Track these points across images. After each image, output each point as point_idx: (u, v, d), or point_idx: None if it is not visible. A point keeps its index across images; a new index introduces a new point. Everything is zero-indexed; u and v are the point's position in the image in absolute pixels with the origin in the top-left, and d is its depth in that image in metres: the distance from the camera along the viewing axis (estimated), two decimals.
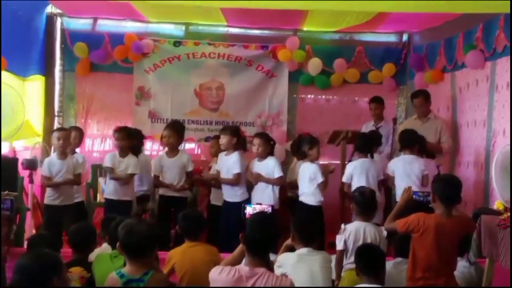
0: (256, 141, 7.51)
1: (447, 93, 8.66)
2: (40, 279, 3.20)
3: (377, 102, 9.00)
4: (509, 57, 6.80)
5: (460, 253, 5.18)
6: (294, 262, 4.61)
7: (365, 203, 5.48)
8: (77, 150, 8.31)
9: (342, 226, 5.35)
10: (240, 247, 4.14)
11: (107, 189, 7.70)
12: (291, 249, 4.77)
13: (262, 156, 7.49)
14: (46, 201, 7.37)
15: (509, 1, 5.32)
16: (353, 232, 5.27)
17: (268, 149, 7.55)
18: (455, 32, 8.28)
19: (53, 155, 7.42)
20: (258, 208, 5.45)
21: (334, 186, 7.85)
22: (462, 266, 5.28)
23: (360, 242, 5.20)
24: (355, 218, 5.51)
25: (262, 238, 3.87)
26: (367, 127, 8.75)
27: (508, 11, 6.09)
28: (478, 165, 7.67)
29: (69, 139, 7.55)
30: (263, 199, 7.03)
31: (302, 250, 4.70)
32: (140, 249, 3.66)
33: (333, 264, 5.04)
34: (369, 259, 4.57)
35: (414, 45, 10.03)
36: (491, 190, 7.21)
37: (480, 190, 7.52)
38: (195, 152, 10.01)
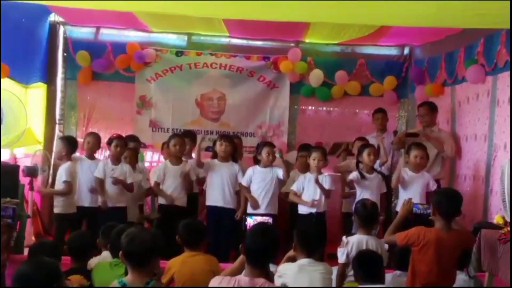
0: (268, 149, 7.53)
1: (446, 107, 8.68)
2: (40, 287, 3.20)
3: (383, 113, 9.04)
4: (510, 72, 6.84)
5: (459, 267, 5.19)
6: (295, 273, 4.60)
7: (367, 216, 5.48)
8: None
9: (344, 238, 5.34)
10: (240, 258, 4.14)
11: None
12: (293, 260, 4.77)
13: (269, 165, 7.53)
14: (55, 210, 7.48)
15: (509, 17, 5.35)
16: (355, 245, 5.26)
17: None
18: (456, 46, 8.32)
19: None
20: (259, 219, 5.49)
21: (334, 197, 7.83)
22: (461, 280, 5.27)
23: None
24: (357, 230, 5.51)
25: (262, 249, 3.86)
26: (370, 139, 8.61)
27: (508, 26, 6.11)
28: (478, 178, 7.67)
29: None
30: (266, 208, 7.12)
31: (303, 261, 4.70)
32: (143, 258, 3.64)
33: (333, 276, 5.04)
34: (368, 266, 4.63)
35: (415, 59, 10.07)
36: (490, 204, 7.23)
37: (479, 203, 7.51)
38: None
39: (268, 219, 5.50)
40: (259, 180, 7.51)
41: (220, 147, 7.56)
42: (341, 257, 5.25)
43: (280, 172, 7.50)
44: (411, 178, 7.17)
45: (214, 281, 3.93)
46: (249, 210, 7.39)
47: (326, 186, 7.28)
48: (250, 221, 5.35)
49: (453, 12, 5.81)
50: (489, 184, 7.31)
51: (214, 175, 7.61)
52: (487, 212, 7.29)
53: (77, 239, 5.07)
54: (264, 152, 7.50)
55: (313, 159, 7.37)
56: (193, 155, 8.40)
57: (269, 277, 3.97)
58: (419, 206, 5.74)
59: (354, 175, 7.31)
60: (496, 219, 5.88)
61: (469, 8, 5.51)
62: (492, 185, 7.23)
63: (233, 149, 7.67)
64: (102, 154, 9.10)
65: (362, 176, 7.27)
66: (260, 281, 3.79)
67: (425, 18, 6.42)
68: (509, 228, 5.07)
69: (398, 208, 6.80)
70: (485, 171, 7.45)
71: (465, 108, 8.20)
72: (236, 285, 3.79)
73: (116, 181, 7.45)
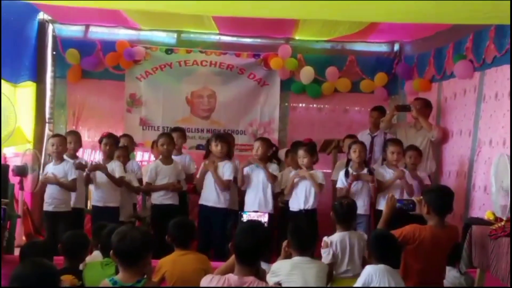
0: (256, 143, 7.61)
1: (433, 103, 8.61)
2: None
3: (380, 111, 8.92)
4: (498, 67, 6.85)
5: (450, 263, 5.21)
6: (289, 271, 4.61)
7: (344, 214, 5.42)
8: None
9: (326, 239, 5.28)
10: (233, 256, 4.13)
11: (94, 196, 7.67)
12: (289, 257, 4.78)
13: (262, 160, 7.53)
14: (44, 207, 7.36)
15: (509, 13, 5.31)
16: (338, 243, 5.21)
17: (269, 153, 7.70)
18: (445, 42, 8.31)
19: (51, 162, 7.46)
20: (253, 215, 5.45)
21: (325, 194, 7.80)
22: (452, 276, 5.30)
23: (347, 250, 5.19)
24: (336, 228, 5.47)
25: (251, 247, 3.84)
26: (362, 135, 8.65)
27: (508, 22, 6.07)
28: (461, 174, 7.68)
29: (65, 144, 7.50)
30: (259, 205, 7.10)
31: (297, 259, 4.70)
32: (133, 256, 3.64)
33: None
34: (385, 247, 4.62)
35: (405, 55, 10.06)
36: (472, 199, 7.24)
37: (461, 199, 7.42)
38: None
39: (263, 215, 5.48)
40: (254, 177, 7.51)
41: (215, 148, 7.56)
42: (327, 258, 5.18)
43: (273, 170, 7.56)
44: (390, 174, 7.20)
45: (204, 280, 3.92)
46: (247, 207, 7.39)
47: (318, 180, 7.25)
48: (245, 217, 5.34)
49: (446, 8, 5.76)
50: (472, 179, 7.32)
51: (208, 175, 7.60)
52: (468, 207, 7.30)
53: (72, 239, 5.01)
54: (254, 147, 7.57)
55: (299, 157, 7.40)
56: (183, 151, 8.45)
57: (259, 275, 3.96)
58: (404, 202, 5.74)
59: (340, 184, 7.33)
60: (487, 215, 5.89)
61: (465, 4, 5.46)
62: (474, 180, 7.25)
63: (229, 148, 7.68)
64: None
65: (347, 175, 7.27)
66: (249, 279, 3.78)
67: (418, 14, 6.38)
68: (500, 224, 5.09)
69: (380, 206, 6.84)
70: (468, 167, 7.46)
71: (452, 104, 8.22)
72: (225, 284, 3.79)
73: (78, 166, 7.40)
